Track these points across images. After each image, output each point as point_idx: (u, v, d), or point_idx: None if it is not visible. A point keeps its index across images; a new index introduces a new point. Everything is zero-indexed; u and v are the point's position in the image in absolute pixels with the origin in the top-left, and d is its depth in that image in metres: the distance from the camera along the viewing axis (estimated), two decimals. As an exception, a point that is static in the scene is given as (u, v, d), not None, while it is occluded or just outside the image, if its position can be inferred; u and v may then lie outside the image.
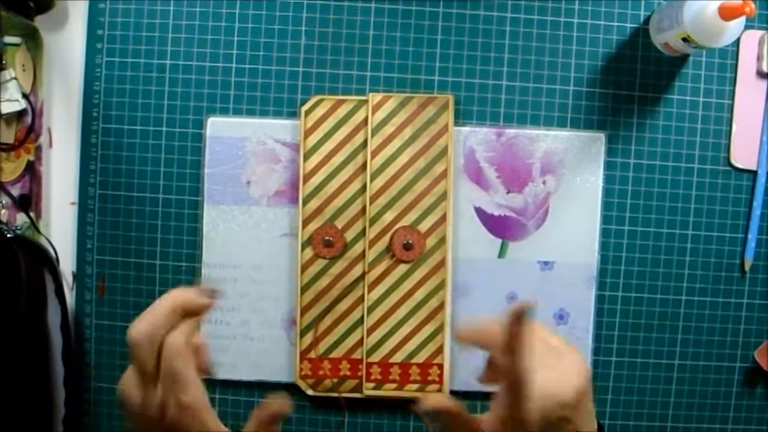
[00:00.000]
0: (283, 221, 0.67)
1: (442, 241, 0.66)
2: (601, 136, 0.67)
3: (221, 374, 0.68)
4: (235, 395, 0.68)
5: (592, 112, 0.67)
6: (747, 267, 0.67)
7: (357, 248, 0.66)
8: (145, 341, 0.39)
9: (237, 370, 0.67)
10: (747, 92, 0.67)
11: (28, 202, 0.67)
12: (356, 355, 0.67)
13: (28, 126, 0.67)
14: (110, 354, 0.68)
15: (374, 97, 0.66)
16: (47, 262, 0.65)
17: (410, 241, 0.66)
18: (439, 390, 0.66)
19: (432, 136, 0.65)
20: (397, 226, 0.66)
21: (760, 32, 0.66)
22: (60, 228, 0.68)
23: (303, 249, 0.66)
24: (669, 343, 0.68)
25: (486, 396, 0.68)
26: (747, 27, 0.62)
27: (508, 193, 0.67)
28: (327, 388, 0.67)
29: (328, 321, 0.66)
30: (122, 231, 0.68)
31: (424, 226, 0.66)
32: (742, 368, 0.68)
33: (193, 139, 0.67)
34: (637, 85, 0.67)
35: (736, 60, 0.67)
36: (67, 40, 0.67)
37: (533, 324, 0.41)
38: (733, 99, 0.67)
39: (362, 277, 0.66)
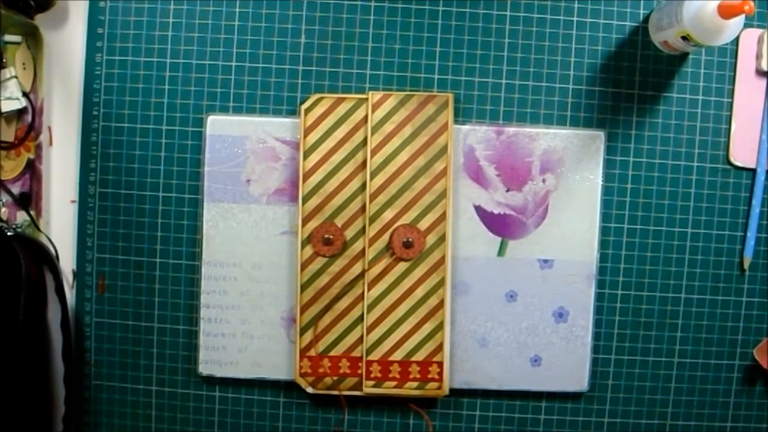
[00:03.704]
0: (282, 219, 0.67)
1: (442, 239, 0.66)
2: (600, 134, 0.67)
3: (221, 372, 0.68)
4: (235, 393, 0.69)
5: (591, 110, 0.67)
6: (746, 265, 0.67)
7: (357, 246, 0.66)
8: None
9: (237, 368, 0.68)
10: (746, 90, 0.67)
11: (29, 200, 0.67)
12: (356, 353, 0.67)
13: (28, 124, 0.67)
14: (110, 352, 0.69)
15: (374, 96, 0.66)
16: (47, 260, 0.65)
17: (410, 239, 0.66)
18: (439, 388, 0.66)
19: (431, 135, 0.66)
20: (396, 224, 0.66)
21: (759, 31, 0.66)
22: (60, 226, 0.68)
23: (303, 247, 0.66)
24: (668, 341, 0.68)
25: (485, 394, 0.68)
26: (746, 25, 0.62)
27: (507, 191, 0.67)
28: (327, 385, 0.67)
29: (327, 319, 0.66)
30: (122, 229, 0.68)
31: (423, 224, 0.66)
32: (741, 366, 0.68)
33: (193, 137, 0.67)
34: (636, 84, 0.67)
35: (735, 58, 0.67)
36: (68, 39, 0.67)
37: None
38: (732, 97, 0.67)
39: (362, 275, 0.66)
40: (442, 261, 0.66)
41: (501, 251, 0.67)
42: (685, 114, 0.67)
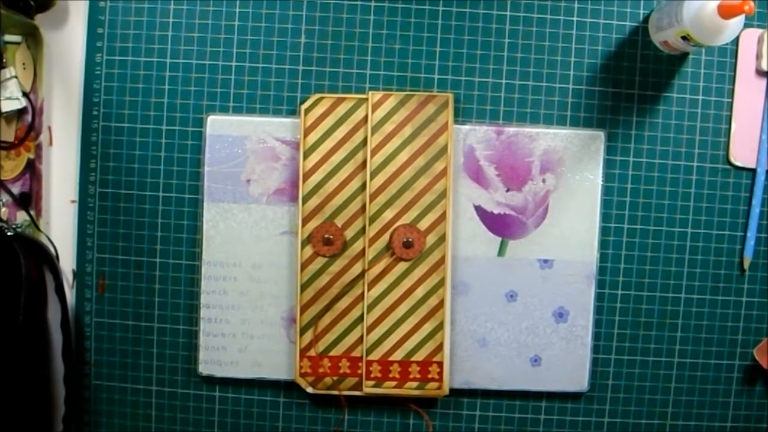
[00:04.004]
0: (282, 219, 0.67)
1: (442, 239, 0.66)
2: (600, 134, 0.67)
3: (221, 372, 0.68)
4: (235, 393, 0.69)
5: (591, 110, 0.67)
6: (746, 265, 0.67)
7: (357, 246, 0.66)
8: None
9: (237, 368, 0.68)
10: (746, 90, 0.67)
11: (29, 200, 0.67)
12: (356, 353, 0.67)
13: (28, 124, 0.67)
14: (110, 352, 0.69)
15: (374, 96, 0.66)
16: (47, 259, 0.65)
17: (410, 239, 0.66)
18: (439, 388, 0.66)
19: (432, 135, 0.66)
20: (396, 224, 0.66)
21: (759, 31, 0.66)
22: (60, 226, 0.68)
23: (303, 247, 0.66)
24: (668, 341, 0.68)
25: (485, 394, 0.68)
26: (746, 25, 0.62)
27: (507, 191, 0.67)
28: (327, 385, 0.67)
29: (327, 319, 0.66)
30: (122, 229, 0.68)
31: (423, 224, 0.66)
32: (741, 366, 0.68)
33: (193, 137, 0.67)
34: (636, 84, 0.67)
35: (735, 58, 0.67)
36: (68, 39, 0.67)
37: None
38: (732, 97, 0.67)
39: (362, 275, 0.66)
40: (442, 261, 0.66)
41: (501, 251, 0.67)
42: (685, 114, 0.67)
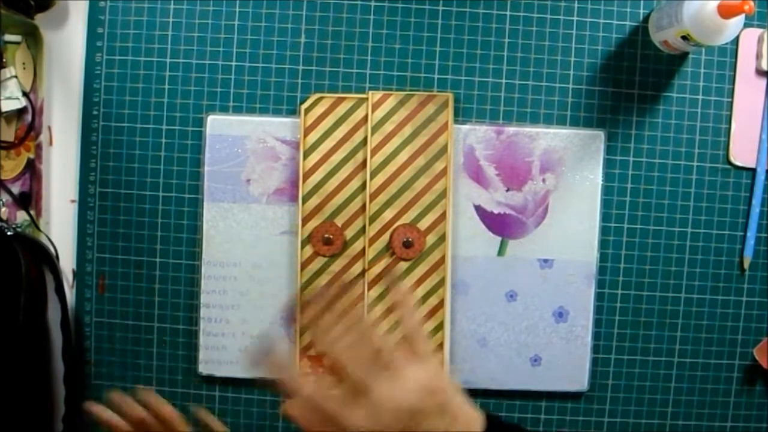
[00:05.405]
0: (282, 219, 0.67)
1: (442, 239, 0.66)
2: (600, 134, 0.67)
3: (221, 372, 0.68)
4: (235, 393, 0.68)
5: (591, 110, 0.67)
6: (746, 264, 0.67)
7: (357, 246, 0.66)
8: None
9: (237, 368, 0.67)
10: (746, 90, 0.67)
11: (29, 199, 0.67)
12: (356, 353, 0.67)
13: (28, 124, 0.67)
14: (110, 351, 0.68)
15: (374, 95, 0.66)
16: (47, 259, 0.65)
17: (410, 239, 0.66)
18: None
19: (432, 134, 0.66)
20: (396, 224, 0.66)
21: (759, 30, 0.66)
22: (60, 226, 0.68)
23: (303, 247, 0.66)
24: (668, 341, 0.68)
25: (485, 394, 0.68)
26: (746, 25, 0.62)
27: (507, 191, 0.67)
28: (327, 385, 0.67)
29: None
30: (122, 229, 0.68)
31: (423, 224, 0.66)
32: (741, 366, 0.68)
33: (193, 137, 0.67)
34: (636, 83, 0.67)
35: (735, 58, 0.67)
36: (68, 39, 0.67)
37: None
38: (732, 97, 0.67)
39: (362, 274, 0.66)
40: (442, 261, 0.66)
41: (501, 251, 0.67)
42: (685, 114, 0.67)
